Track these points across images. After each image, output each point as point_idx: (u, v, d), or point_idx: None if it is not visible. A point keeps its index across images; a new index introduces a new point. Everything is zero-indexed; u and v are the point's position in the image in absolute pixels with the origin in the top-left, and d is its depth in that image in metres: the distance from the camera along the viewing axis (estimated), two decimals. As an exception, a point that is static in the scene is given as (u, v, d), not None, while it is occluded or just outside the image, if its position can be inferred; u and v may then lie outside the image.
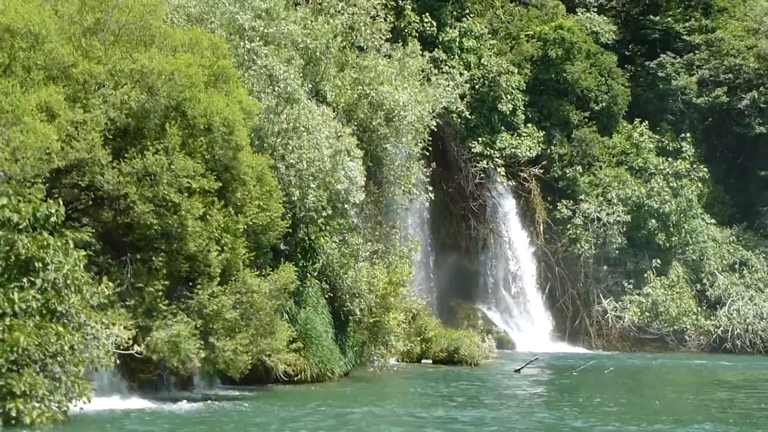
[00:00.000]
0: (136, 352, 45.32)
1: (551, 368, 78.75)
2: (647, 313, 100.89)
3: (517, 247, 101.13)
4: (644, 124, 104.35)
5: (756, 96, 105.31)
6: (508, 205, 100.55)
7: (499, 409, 49.80)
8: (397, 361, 73.45)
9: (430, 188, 74.73)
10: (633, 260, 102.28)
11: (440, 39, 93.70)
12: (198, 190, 45.99)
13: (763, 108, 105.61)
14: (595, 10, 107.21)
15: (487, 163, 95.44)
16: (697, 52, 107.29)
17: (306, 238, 54.64)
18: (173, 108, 46.40)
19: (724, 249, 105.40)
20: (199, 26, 52.37)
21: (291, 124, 51.29)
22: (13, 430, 36.54)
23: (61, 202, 39.55)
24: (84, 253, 40.04)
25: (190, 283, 46.80)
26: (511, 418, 46.59)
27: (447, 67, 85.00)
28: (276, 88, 51.97)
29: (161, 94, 45.79)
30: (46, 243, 38.41)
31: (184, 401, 46.90)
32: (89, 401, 39.33)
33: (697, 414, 50.50)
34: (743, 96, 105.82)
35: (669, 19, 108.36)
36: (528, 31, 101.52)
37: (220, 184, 47.01)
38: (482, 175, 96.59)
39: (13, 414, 36.62)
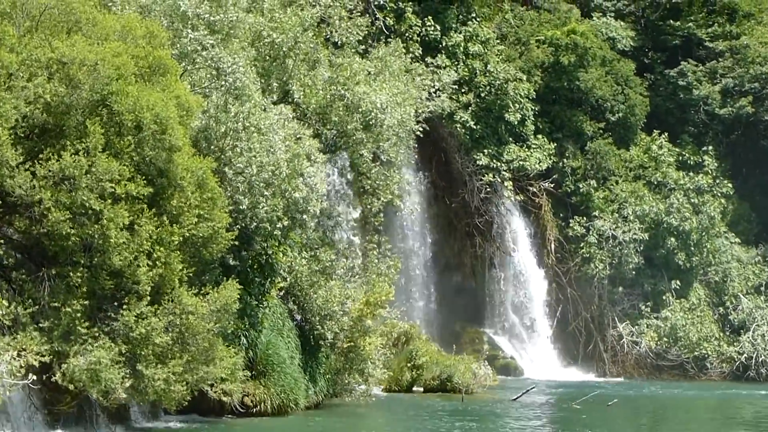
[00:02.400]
0: (44, 382, 40.44)
1: (555, 396, 73.64)
2: (665, 339, 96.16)
3: (526, 267, 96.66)
4: (663, 136, 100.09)
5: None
6: (517, 222, 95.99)
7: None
8: (383, 391, 68.64)
9: (416, 200, 69.19)
10: (651, 281, 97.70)
11: (444, 44, 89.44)
12: (124, 196, 40.86)
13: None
14: (612, 14, 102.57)
15: (494, 177, 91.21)
16: (720, 59, 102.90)
17: (263, 253, 49.28)
18: (97, 103, 41.32)
19: (749, 270, 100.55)
20: (144, 16, 47.31)
21: (240, 124, 46.02)
22: None
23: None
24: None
25: (116, 303, 41.52)
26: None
27: (433, 66, 78.90)
28: (224, 83, 46.57)
29: (83, 88, 40.83)
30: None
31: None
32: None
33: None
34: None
35: (691, 24, 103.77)
36: (539, 36, 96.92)
37: (152, 190, 41.89)
38: (488, 189, 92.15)
39: None
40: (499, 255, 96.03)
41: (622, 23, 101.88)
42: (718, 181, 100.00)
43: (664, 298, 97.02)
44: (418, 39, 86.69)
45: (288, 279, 54.90)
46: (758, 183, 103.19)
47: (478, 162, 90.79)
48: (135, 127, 41.73)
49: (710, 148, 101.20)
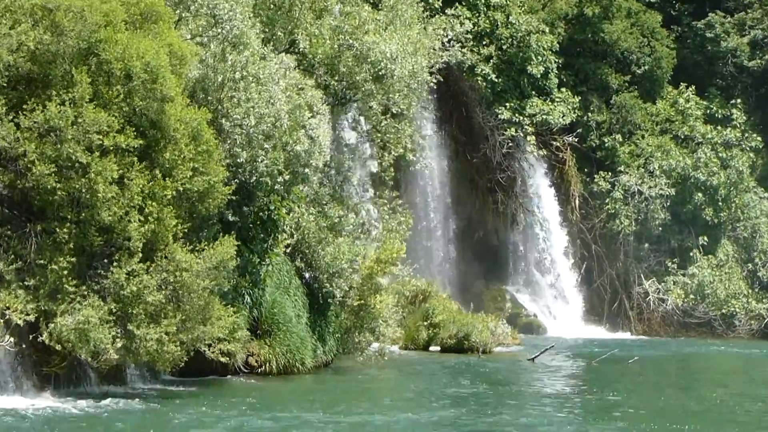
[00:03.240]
0: (32, 343, 38.92)
1: (575, 355, 71.97)
2: (692, 296, 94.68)
3: (549, 224, 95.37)
4: (691, 89, 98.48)
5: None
6: (540, 178, 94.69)
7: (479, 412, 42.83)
8: (399, 349, 66.99)
9: (435, 155, 67.27)
10: (677, 238, 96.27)
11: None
12: (113, 148, 39.15)
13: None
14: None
15: (516, 131, 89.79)
16: (749, 11, 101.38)
17: (265, 209, 47.46)
18: (85, 51, 39.61)
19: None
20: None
21: (237, 74, 44.17)
22: None
23: None
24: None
25: (105, 260, 39.80)
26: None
27: (448, 15, 76.92)
28: (221, 31, 44.72)
29: (69, 35, 39.09)
30: None
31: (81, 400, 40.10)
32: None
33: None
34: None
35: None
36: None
37: (143, 142, 40.16)
38: (510, 144, 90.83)
39: None
40: (521, 211, 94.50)
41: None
42: (746, 134, 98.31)
43: (691, 254, 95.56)
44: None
45: (295, 236, 53.09)
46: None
47: (500, 116, 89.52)
48: (124, 77, 40.02)
49: (739, 101, 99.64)
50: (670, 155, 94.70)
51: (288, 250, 53.01)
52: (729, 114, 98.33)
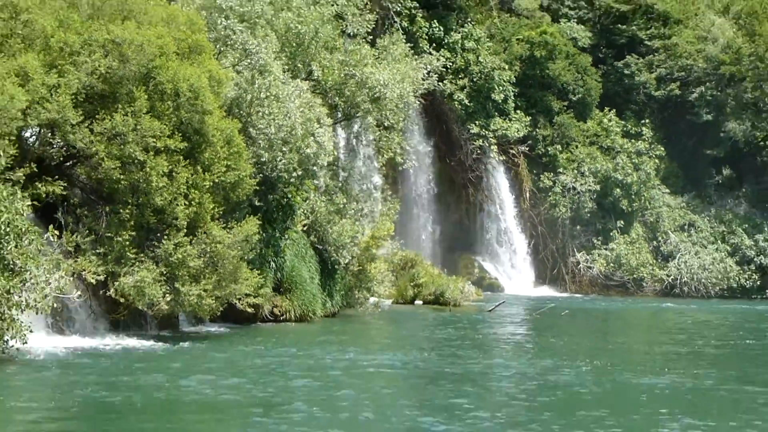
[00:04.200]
0: (103, 296, 37.33)
1: (523, 308, 70.27)
2: (612, 264, 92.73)
3: (507, 211, 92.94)
4: (612, 111, 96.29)
5: (703, 90, 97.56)
6: (500, 177, 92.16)
7: (429, 349, 41.00)
8: (392, 303, 65.12)
9: (423, 160, 65.46)
10: (601, 221, 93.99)
11: (446, 41, 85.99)
12: (164, 149, 37.44)
13: (709, 100, 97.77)
14: (575, 20, 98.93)
15: (483, 142, 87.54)
16: (656, 54, 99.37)
17: (284, 197, 45.67)
18: (143, 75, 37.91)
19: (675, 213, 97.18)
20: (184, 6, 43.69)
21: (262, 93, 42.37)
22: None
23: (1, 153, 31.06)
24: (28, 203, 31.59)
25: (159, 234, 38.23)
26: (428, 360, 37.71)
27: (426, 54, 75.23)
28: (250, 61, 42.84)
29: (132, 62, 37.30)
30: (-10, 193, 29.95)
31: (141, 339, 38.45)
32: (25, 342, 30.83)
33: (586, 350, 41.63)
34: (693, 90, 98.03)
35: (634, 27, 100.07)
36: (518, 36, 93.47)
37: (188, 145, 38.52)
38: (479, 151, 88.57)
39: (-55, 353, 28.43)
40: (486, 201, 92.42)
41: (582, 26, 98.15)
42: (653, 146, 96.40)
43: (611, 234, 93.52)
44: (426, 37, 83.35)
45: (310, 217, 51.47)
46: (683, 148, 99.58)
47: (471, 131, 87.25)
48: (174, 94, 38.30)
49: (647, 121, 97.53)
50: (597, 161, 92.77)
51: (305, 228, 51.45)
52: (640, 131, 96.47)
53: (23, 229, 30.81)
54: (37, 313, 31.58)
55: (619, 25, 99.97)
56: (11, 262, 30.42)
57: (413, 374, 34.56)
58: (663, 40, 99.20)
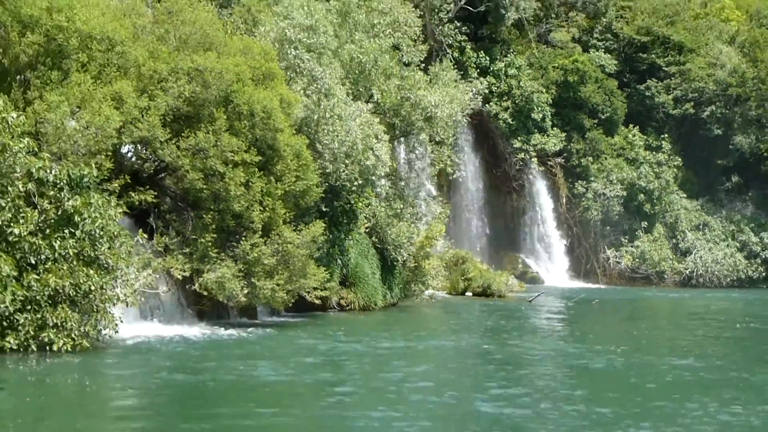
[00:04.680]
0: (188, 290, 36.28)
1: (559, 298, 68.10)
2: (637, 259, 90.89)
3: (546, 214, 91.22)
4: (636, 128, 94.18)
5: (714, 109, 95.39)
6: (540, 185, 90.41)
7: (471, 335, 39.55)
8: (446, 294, 63.72)
9: (472, 170, 63.90)
10: (628, 222, 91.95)
11: (491, 69, 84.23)
12: (241, 162, 36.26)
13: (719, 117, 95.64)
14: (602, 50, 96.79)
15: (524, 155, 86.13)
16: (672, 78, 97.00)
17: (347, 203, 44.40)
18: (223, 98, 36.74)
19: (692, 215, 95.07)
20: (261, 39, 42.55)
21: (327, 113, 41.04)
22: (58, 356, 27.69)
23: (93, 166, 30.09)
24: (120, 210, 30.56)
25: (237, 236, 37.03)
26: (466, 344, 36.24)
27: (471, 78, 73.81)
28: (317, 86, 41.60)
29: (212, 88, 36.13)
30: (89, 201, 28.94)
31: (223, 327, 37.16)
32: (116, 331, 29.82)
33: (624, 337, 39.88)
34: (705, 109, 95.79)
35: (653, 56, 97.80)
36: (554, 64, 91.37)
37: (261, 158, 37.34)
38: (521, 163, 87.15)
39: (46, 341, 27.45)
40: (528, 206, 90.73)
41: (608, 55, 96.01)
42: (671, 157, 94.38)
43: (636, 233, 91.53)
44: (474, 65, 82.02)
45: (372, 221, 50.16)
46: (698, 158, 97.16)
47: (514, 146, 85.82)
48: (249, 115, 37.06)
49: (666, 135, 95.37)
50: (623, 170, 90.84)
51: (367, 230, 50.08)
52: (660, 144, 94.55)
53: (115, 233, 29.72)
54: (127, 306, 30.59)
55: (641, 54, 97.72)
56: (105, 262, 29.28)
57: (464, 357, 33.19)
58: (678, 66, 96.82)
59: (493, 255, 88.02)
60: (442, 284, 62.52)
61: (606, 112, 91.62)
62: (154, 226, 36.30)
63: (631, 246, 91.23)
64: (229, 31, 40.96)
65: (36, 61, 33.61)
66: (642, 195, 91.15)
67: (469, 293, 65.63)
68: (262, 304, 39.16)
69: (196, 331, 35.93)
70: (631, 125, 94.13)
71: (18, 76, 33.53)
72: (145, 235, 32.73)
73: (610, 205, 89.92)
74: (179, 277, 35.39)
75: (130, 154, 37.28)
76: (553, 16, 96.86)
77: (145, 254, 34.62)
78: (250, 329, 37.31)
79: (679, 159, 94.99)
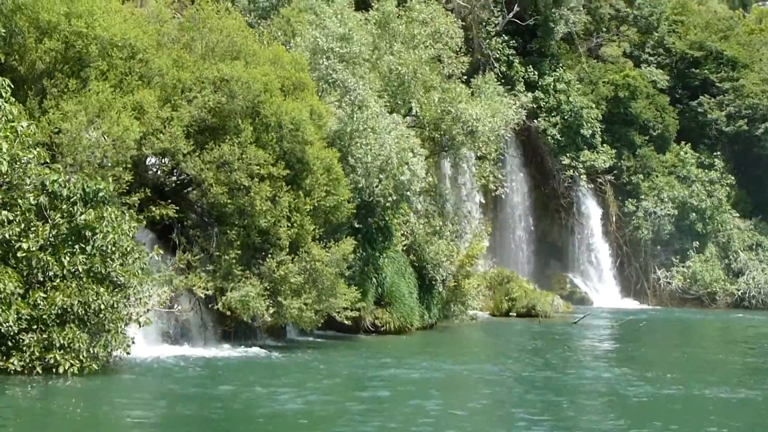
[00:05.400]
0: (211, 309, 34.50)
1: (606, 319, 65.87)
2: (688, 280, 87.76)
3: (595, 233, 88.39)
4: (688, 145, 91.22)
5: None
6: (589, 203, 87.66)
7: (505, 359, 37.40)
8: (489, 315, 61.66)
9: (504, 184, 61.51)
10: (679, 242, 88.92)
11: (540, 84, 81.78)
12: (267, 176, 34.48)
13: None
14: (654, 65, 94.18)
15: (573, 172, 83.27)
16: (725, 94, 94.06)
17: (382, 219, 42.49)
18: (249, 109, 35.00)
19: (744, 234, 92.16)
20: (295, 48, 40.89)
21: (360, 126, 39.17)
22: (63, 379, 26.17)
23: (110, 179, 28.49)
24: (135, 224, 28.83)
25: (263, 253, 35.21)
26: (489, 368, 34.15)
27: (515, 91, 71.86)
28: (349, 97, 39.79)
29: (239, 98, 34.41)
30: (102, 215, 27.31)
31: (248, 348, 35.50)
32: (128, 353, 28.07)
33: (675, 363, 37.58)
34: (759, 126, 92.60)
35: (706, 71, 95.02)
36: (604, 79, 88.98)
37: (289, 172, 35.50)
38: (570, 180, 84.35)
39: (52, 363, 25.88)
40: (577, 224, 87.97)
41: (660, 71, 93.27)
42: (724, 175, 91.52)
43: (688, 253, 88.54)
44: (522, 80, 79.56)
45: (409, 238, 48.09)
46: (751, 177, 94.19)
47: (562, 162, 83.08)
48: (277, 126, 35.29)
49: (719, 153, 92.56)
50: (675, 188, 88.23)
51: (404, 248, 47.96)
52: (713, 162, 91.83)
53: (128, 248, 28.01)
54: (140, 326, 28.84)
55: (693, 69, 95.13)
56: (116, 279, 27.61)
57: (501, 384, 31.00)
58: (732, 82, 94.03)
59: (541, 274, 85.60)
60: (485, 304, 60.52)
61: (657, 128, 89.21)
62: (177, 242, 34.60)
63: (682, 266, 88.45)
64: (266, 42, 39.21)
65: (53, 68, 32.16)
66: (694, 214, 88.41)
67: (513, 314, 63.49)
68: (287, 323, 37.27)
69: (219, 352, 34.27)
70: (682, 142, 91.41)
71: (34, 84, 32.01)
72: (161, 251, 30.98)
73: (661, 224, 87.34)
74: (201, 295, 33.65)
75: (153, 167, 35.66)
76: (604, 30, 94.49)
77: (167, 271, 33.05)
78: (276, 350, 35.57)
79: (732, 177, 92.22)
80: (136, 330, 29.16)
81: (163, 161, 34.73)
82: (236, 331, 37.01)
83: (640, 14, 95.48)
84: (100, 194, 27.76)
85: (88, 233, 27.48)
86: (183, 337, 34.51)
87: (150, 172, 34.60)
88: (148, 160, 35.48)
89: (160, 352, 32.20)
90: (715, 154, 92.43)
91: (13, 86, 28.98)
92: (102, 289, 27.17)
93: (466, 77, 55.02)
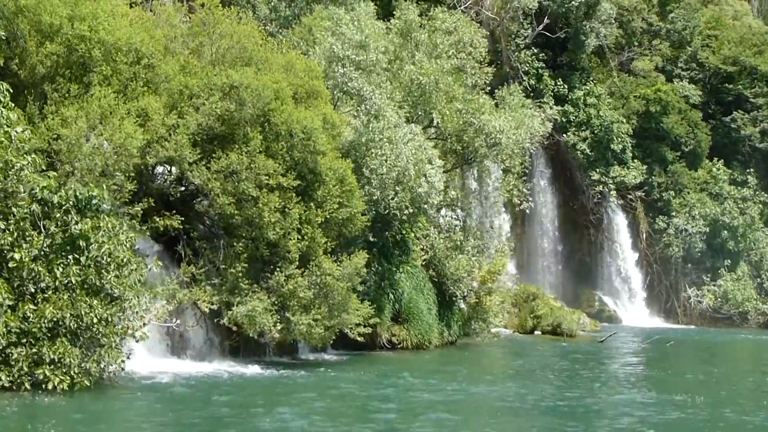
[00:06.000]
0: (217, 324, 33.16)
1: (633, 338, 64.17)
2: (720, 299, 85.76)
3: (625, 250, 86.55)
4: (720, 161, 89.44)
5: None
6: (619, 219, 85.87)
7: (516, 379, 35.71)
8: (513, 332, 59.93)
9: (529, 198, 59.71)
10: (711, 260, 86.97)
11: (569, 97, 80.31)
12: (277, 186, 33.07)
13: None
14: (687, 80, 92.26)
15: (603, 188, 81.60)
16: (759, 110, 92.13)
17: (398, 233, 40.97)
18: (259, 117, 33.64)
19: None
20: (313, 57, 39.57)
21: (376, 136, 37.69)
22: (53, 395, 24.85)
23: (104, 187, 27.22)
24: (132, 235, 27.50)
25: (271, 266, 33.75)
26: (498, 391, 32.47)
27: (541, 103, 70.37)
28: (365, 106, 38.36)
29: (248, 105, 33.07)
30: (98, 224, 26.01)
31: (256, 365, 33.99)
32: (122, 369, 26.70)
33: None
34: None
35: (740, 87, 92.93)
36: (636, 93, 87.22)
37: (299, 182, 34.12)
38: (599, 196, 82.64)
39: (42, 379, 24.60)
40: (607, 241, 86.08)
41: (693, 85, 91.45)
42: (757, 192, 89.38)
43: (719, 271, 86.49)
44: (552, 94, 77.97)
45: (429, 253, 46.52)
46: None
47: (592, 177, 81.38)
48: (288, 135, 33.93)
49: (752, 170, 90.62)
50: (706, 205, 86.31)
51: (424, 263, 46.37)
52: (746, 179, 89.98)
53: (124, 260, 26.68)
54: (137, 341, 27.48)
55: (727, 85, 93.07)
56: (111, 291, 26.29)
57: (520, 408, 29.15)
58: (766, 97, 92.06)
59: (569, 291, 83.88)
60: (509, 322, 58.95)
61: (689, 144, 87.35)
62: (183, 254, 33.28)
63: (714, 285, 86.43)
64: (284, 50, 37.89)
65: (55, 73, 31.02)
66: (726, 232, 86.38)
67: (538, 332, 61.79)
68: (297, 340, 35.82)
69: (224, 368, 32.89)
70: (715, 158, 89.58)
71: (35, 89, 30.86)
72: (161, 264, 29.63)
73: (692, 242, 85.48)
74: (206, 310, 32.29)
75: (161, 176, 34.39)
76: (636, 44, 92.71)
77: (171, 284, 31.75)
78: (284, 368, 34.14)
79: (766, 194, 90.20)
80: (140, 344, 27.87)
81: (169, 170, 33.37)
82: (244, 347, 35.63)
83: (673, 28, 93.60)
84: (94, 202, 26.43)
85: (82, 243, 26.17)
86: (187, 352, 33.14)
87: (156, 182, 33.18)
88: (157, 168, 34.24)
89: (162, 367, 30.88)
90: (748, 170, 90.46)
91: (12, 91, 27.87)
92: (96, 302, 25.92)
93: (489, 88, 53.41)
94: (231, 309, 32.72)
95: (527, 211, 69.27)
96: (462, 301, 48.81)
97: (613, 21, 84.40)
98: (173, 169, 33.56)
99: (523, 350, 50.68)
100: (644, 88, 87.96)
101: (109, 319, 26.10)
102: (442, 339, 46.87)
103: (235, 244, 32.94)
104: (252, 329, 32.64)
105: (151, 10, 36.13)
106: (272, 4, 51.56)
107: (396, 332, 43.72)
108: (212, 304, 32.44)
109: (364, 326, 36.72)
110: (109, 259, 26.31)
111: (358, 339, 37.10)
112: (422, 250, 45.87)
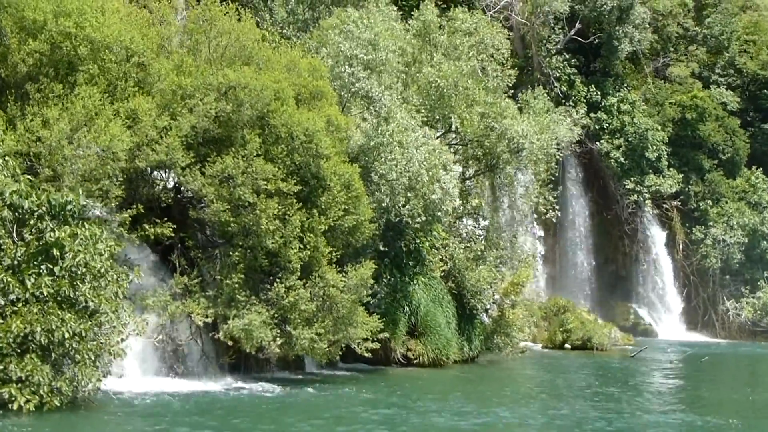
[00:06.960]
0: (212, 338, 31.05)
1: (666, 353, 61.86)
2: (759, 312, 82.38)
3: (661, 261, 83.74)
4: (759, 170, 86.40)
5: None
6: (655, 230, 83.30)
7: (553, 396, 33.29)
8: (542, 347, 57.65)
9: (556, 207, 57.07)
10: (749, 272, 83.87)
11: (603, 104, 77.93)
12: (276, 192, 30.91)
13: None
14: (724, 86, 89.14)
15: (638, 197, 78.89)
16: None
17: (411, 243, 38.66)
18: (257, 119, 31.55)
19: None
20: (313, 55, 37.45)
21: (385, 140, 35.47)
22: (17, 416, 22.87)
23: (80, 192, 25.20)
24: (112, 243, 25.41)
25: (271, 277, 31.59)
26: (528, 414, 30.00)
27: (568, 105, 67.97)
28: (374, 108, 36.15)
29: (246, 106, 30.97)
30: (73, 232, 24.03)
31: (255, 383, 31.93)
32: (97, 388, 24.57)
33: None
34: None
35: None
36: (671, 100, 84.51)
37: (300, 188, 32.01)
38: (634, 206, 79.96)
39: (7, 398, 22.60)
40: (642, 253, 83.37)
41: (731, 92, 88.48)
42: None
43: (758, 283, 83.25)
44: (584, 100, 75.54)
45: (448, 263, 44.14)
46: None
47: (626, 186, 78.71)
48: (288, 138, 31.77)
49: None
50: (745, 215, 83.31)
51: (443, 274, 44.00)
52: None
53: (101, 270, 24.62)
54: (114, 358, 25.36)
55: (765, 91, 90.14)
56: (86, 304, 24.25)
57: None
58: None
59: (603, 304, 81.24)
60: (538, 336, 56.60)
61: (727, 152, 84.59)
62: (177, 264, 31.23)
63: (753, 297, 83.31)
64: (290, 49, 35.82)
65: (38, 71, 29.08)
66: (765, 242, 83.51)
67: (567, 346, 59.31)
68: (299, 355, 33.63)
69: (220, 386, 30.81)
70: (753, 167, 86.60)
71: (16, 89, 28.96)
72: (142, 274, 27.51)
73: (731, 253, 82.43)
74: (200, 323, 30.19)
75: (156, 182, 32.37)
76: (672, 49, 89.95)
77: (163, 296, 29.72)
78: (287, 385, 31.97)
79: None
80: (133, 361, 25.90)
81: (166, 175, 31.36)
82: (245, 363, 33.52)
83: (710, 33, 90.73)
84: (69, 208, 24.42)
85: (56, 252, 24.16)
86: (180, 369, 31.03)
87: (146, 188, 31.12)
88: (154, 173, 32.26)
89: (151, 386, 28.88)
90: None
91: (-9, 91, 25.97)
92: (69, 316, 23.83)
93: (512, 92, 51.07)
94: (227, 322, 30.57)
95: (554, 220, 66.57)
96: (484, 314, 46.41)
97: (648, 26, 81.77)
98: (170, 174, 31.48)
99: (550, 366, 48.24)
100: (680, 94, 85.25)
101: (84, 334, 24.01)
102: (462, 354, 44.47)
103: (231, 253, 30.79)
104: (249, 344, 30.52)
105: (145, 7, 34.08)
106: (290, 6, 49.47)
107: (412, 347, 41.46)
108: (207, 317, 30.40)
109: (373, 341, 34.30)
110: (84, 270, 24.20)
111: (366, 354, 34.71)
112: (441, 260, 43.53)
